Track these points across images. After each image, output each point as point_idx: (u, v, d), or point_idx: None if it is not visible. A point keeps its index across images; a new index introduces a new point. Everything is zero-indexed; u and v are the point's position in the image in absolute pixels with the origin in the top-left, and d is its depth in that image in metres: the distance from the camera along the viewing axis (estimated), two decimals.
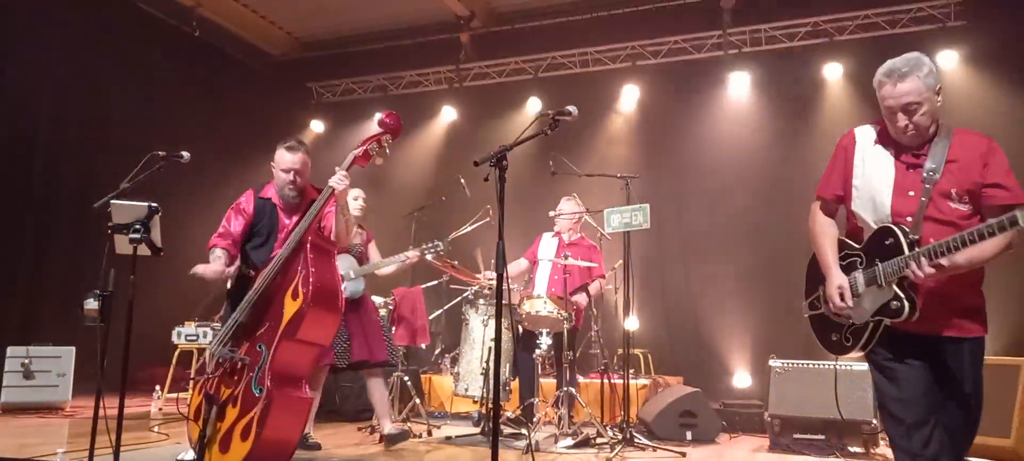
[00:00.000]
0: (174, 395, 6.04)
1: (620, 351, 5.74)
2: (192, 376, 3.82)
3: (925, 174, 2.48)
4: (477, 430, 5.58)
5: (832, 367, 4.95)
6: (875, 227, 2.56)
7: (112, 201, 3.54)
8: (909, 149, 2.54)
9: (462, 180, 6.14)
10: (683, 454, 4.80)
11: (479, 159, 3.01)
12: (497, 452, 2.81)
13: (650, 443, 4.99)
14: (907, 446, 2.49)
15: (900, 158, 2.55)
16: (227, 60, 9.61)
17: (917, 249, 2.41)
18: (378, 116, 3.82)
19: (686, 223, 8.24)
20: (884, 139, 2.60)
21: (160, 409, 6.39)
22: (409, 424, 5.64)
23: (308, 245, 3.56)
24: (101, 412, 3.44)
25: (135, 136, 8.43)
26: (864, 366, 4.75)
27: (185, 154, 3.72)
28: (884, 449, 4.83)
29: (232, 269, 3.92)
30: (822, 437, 5.06)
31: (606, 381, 5.78)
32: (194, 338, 6.73)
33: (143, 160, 3.69)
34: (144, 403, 6.63)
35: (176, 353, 6.74)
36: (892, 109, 2.49)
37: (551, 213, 5.98)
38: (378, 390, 4.88)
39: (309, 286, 3.46)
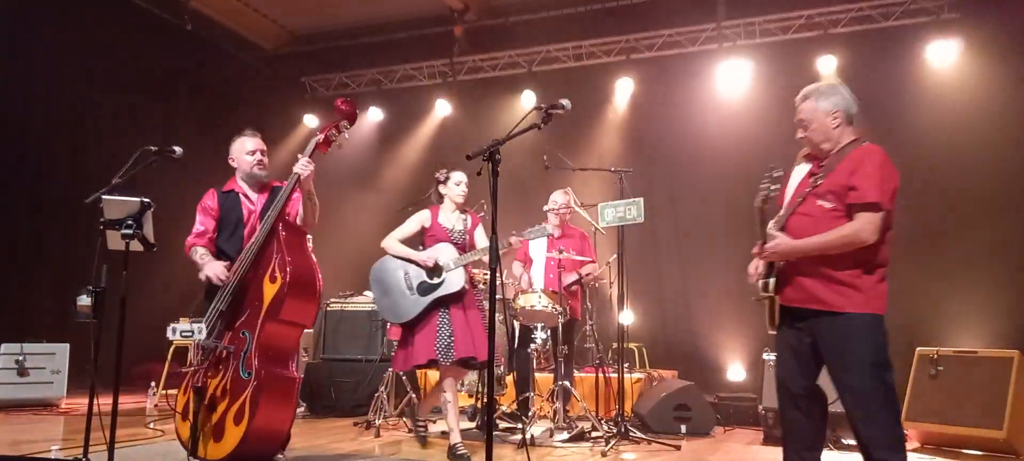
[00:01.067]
0: (169, 391, 6.01)
1: (615, 345, 5.74)
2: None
3: (813, 178, 2.85)
4: (472, 424, 5.59)
5: None
6: None
7: (104, 197, 3.53)
8: (818, 160, 2.90)
9: None
10: (677, 447, 4.81)
11: (472, 153, 3.01)
12: (492, 446, 2.82)
13: (645, 436, 5.02)
14: (781, 414, 3.02)
15: (810, 167, 2.93)
16: (219, 54, 9.53)
17: None
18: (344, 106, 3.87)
19: (680, 217, 8.23)
20: (808, 154, 2.94)
21: (155, 405, 6.38)
22: (404, 419, 5.64)
23: (280, 231, 3.66)
24: (95, 409, 3.44)
25: (127, 131, 8.41)
26: None
27: (177, 149, 3.71)
28: None
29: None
30: None
31: (601, 375, 5.80)
32: (189, 334, 6.64)
33: (135, 155, 3.68)
34: (139, 399, 6.61)
35: (171, 349, 6.70)
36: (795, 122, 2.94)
37: (545, 208, 5.96)
38: (453, 391, 4.57)
39: (286, 268, 3.58)
